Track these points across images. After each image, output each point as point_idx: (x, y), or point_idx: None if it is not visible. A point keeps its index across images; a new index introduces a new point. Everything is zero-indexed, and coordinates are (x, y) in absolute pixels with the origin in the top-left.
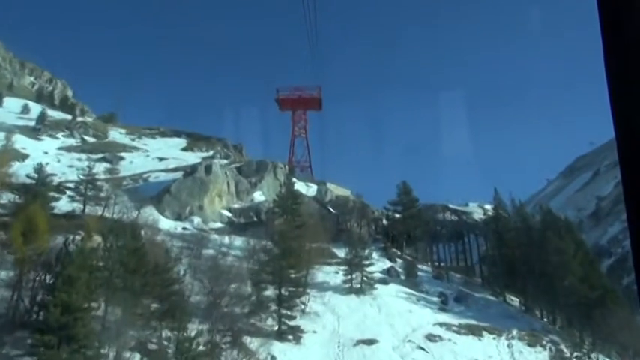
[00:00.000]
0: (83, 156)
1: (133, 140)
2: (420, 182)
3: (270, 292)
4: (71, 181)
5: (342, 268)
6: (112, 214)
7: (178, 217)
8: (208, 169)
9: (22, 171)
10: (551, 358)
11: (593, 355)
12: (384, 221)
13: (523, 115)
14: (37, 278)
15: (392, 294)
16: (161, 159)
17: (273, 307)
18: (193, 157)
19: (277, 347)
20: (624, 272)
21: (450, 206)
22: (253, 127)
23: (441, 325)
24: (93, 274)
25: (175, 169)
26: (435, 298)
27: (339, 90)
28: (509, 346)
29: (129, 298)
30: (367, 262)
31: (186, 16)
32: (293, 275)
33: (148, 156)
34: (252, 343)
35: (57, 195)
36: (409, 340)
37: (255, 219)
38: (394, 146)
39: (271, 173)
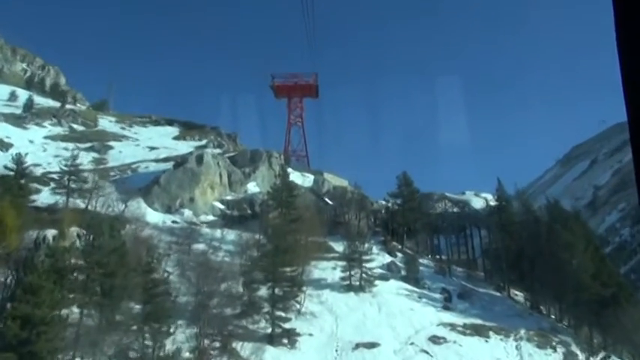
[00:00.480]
0: (70, 145)
1: (124, 129)
2: (418, 170)
3: (263, 291)
4: (56, 172)
5: (340, 263)
6: (95, 208)
7: (168, 210)
8: (200, 159)
9: (4, 161)
10: None
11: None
12: (384, 213)
13: (521, 103)
14: (7, 281)
15: (392, 291)
16: (152, 148)
17: (267, 307)
18: (185, 146)
19: (271, 353)
20: (621, 261)
21: (447, 194)
22: (248, 116)
23: (445, 325)
24: (66, 277)
25: (166, 159)
26: (438, 295)
27: (336, 77)
28: (518, 347)
29: (108, 303)
30: (367, 258)
31: (182, 1)
32: (288, 273)
33: (138, 145)
34: (244, 349)
35: (39, 187)
36: (412, 343)
37: (249, 211)
38: (392, 134)
39: (266, 163)
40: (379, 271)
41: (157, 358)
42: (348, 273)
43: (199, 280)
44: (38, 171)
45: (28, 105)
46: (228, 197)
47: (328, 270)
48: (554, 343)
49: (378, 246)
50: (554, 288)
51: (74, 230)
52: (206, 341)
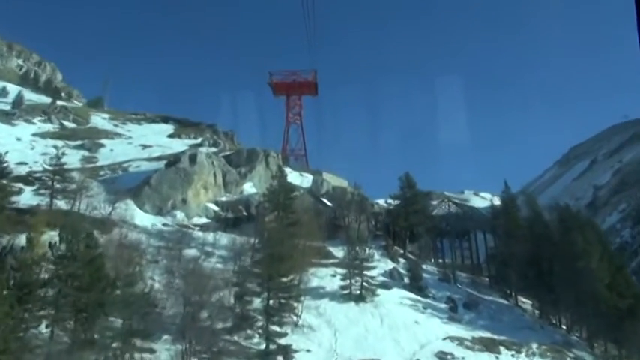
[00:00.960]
0: (60, 143)
1: (117, 126)
2: (417, 169)
3: (257, 302)
4: (39, 172)
5: (340, 271)
6: (79, 209)
7: (159, 212)
8: (193, 159)
9: None
10: None
11: None
12: (385, 216)
13: (520, 102)
14: None
15: (395, 301)
16: (145, 146)
17: (261, 321)
18: (180, 145)
19: None
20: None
21: (447, 193)
22: (246, 114)
23: (452, 339)
24: (34, 292)
25: (159, 158)
26: (443, 305)
27: (335, 76)
28: None
29: (82, 319)
30: (368, 265)
31: None
32: (284, 284)
33: (130, 143)
34: None
35: (24, 187)
36: None
37: (244, 213)
38: (391, 133)
39: (263, 163)
40: (381, 278)
41: None
42: (348, 281)
43: (188, 290)
44: (24, 170)
45: (18, 101)
46: (223, 198)
47: (327, 277)
48: (568, 359)
49: (379, 251)
50: (565, 297)
51: (50, 236)
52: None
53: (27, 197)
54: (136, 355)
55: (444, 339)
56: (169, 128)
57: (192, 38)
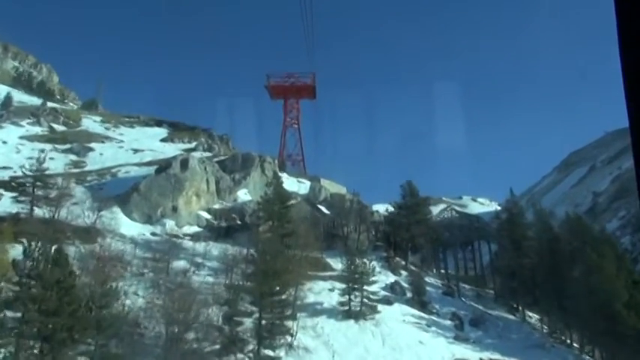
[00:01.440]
0: (48, 146)
1: (108, 129)
2: (415, 174)
3: (248, 322)
4: (20, 177)
5: (339, 286)
6: (59, 218)
7: (148, 220)
8: (184, 164)
9: None
10: None
11: None
12: (386, 225)
13: (518, 109)
14: None
15: (398, 318)
16: (136, 151)
17: (252, 344)
18: (173, 149)
19: None
20: None
21: (445, 199)
22: (242, 117)
23: None
24: None
25: (150, 163)
26: (448, 322)
27: (333, 80)
28: None
29: (48, 348)
30: (369, 281)
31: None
32: (277, 303)
33: (121, 147)
34: None
35: (4, 192)
36: None
37: (238, 222)
38: (389, 138)
39: (258, 168)
40: (382, 292)
41: None
42: (347, 297)
43: (174, 307)
44: (7, 175)
45: (6, 102)
46: (216, 206)
47: (325, 292)
48: None
49: (380, 262)
50: (578, 315)
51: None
52: None
53: (6, 204)
54: None
55: None
56: (163, 132)
57: (190, 41)
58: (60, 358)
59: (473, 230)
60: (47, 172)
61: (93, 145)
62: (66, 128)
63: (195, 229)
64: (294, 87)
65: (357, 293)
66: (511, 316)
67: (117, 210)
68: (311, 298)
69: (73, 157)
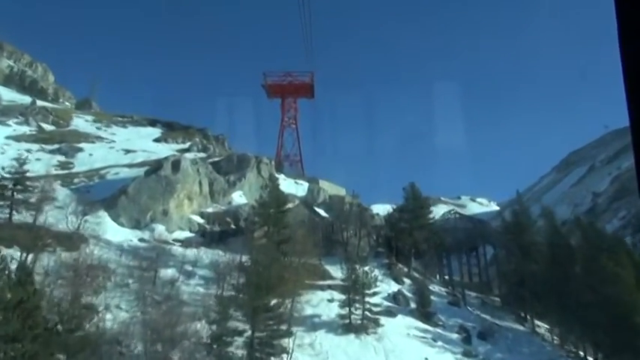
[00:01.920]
0: (35, 146)
1: (99, 129)
2: (414, 174)
3: (240, 340)
4: (3, 179)
5: (338, 296)
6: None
7: (136, 225)
8: (176, 165)
9: None
10: None
11: None
12: (388, 230)
13: (518, 108)
14: None
15: (402, 332)
16: (127, 151)
17: None
18: (167, 150)
19: None
20: None
21: (443, 199)
22: (239, 117)
23: None
24: None
25: (142, 164)
26: (455, 335)
27: (332, 79)
28: None
29: None
30: (370, 292)
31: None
32: (272, 317)
33: (112, 147)
34: None
35: None
36: None
37: (232, 226)
38: (388, 138)
39: (254, 169)
40: (384, 303)
41: None
42: (347, 309)
43: (159, 323)
44: None
45: None
46: (209, 209)
47: (323, 303)
48: None
49: (382, 270)
50: (593, 327)
51: None
52: None
53: None
54: None
55: None
56: (156, 132)
57: (187, 40)
58: None
59: (477, 234)
60: (29, 174)
61: (82, 145)
62: (55, 128)
63: (186, 234)
64: (291, 86)
65: (357, 305)
66: (520, 327)
67: (103, 214)
68: (308, 311)
69: (61, 158)
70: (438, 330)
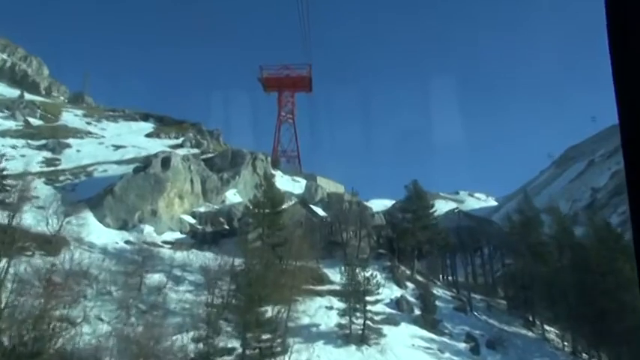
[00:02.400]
0: (21, 142)
1: (89, 124)
2: (411, 169)
3: (229, 358)
4: None
5: (337, 304)
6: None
7: (123, 226)
8: (166, 162)
9: None
10: None
11: None
12: (389, 230)
13: (516, 103)
14: None
15: (406, 342)
16: (117, 147)
17: None
18: (158, 145)
19: None
20: None
21: (441, 194)
22: (235, 112)
23: None
24: None
25: (132, 161)
26: (462, 345)
27: (329, 73)
28: None
29: None
30: (372, 299)
31: None
32: (265, 331)
33: (102, 143)
34: None
35: None
36: None
37: (226, 226)
38: (385, 133)
39: (249, 166)
40: (387, 310)
41: None
42: (347, 318)
43: (142, 336)
44: None
45: None
46: (201, 209)
47: (321, 311)
48: None
49: (383, 273)
50: (608, 334)
51: None
52: None
53: None
54: None
55: None
56: (149, 127)
57: (182, 32)
58: None
59: (482, 234)
60: (10, 172)
61: (70, 140)
62: (43, 123)
63: (176, 235)
64: (289, 79)
65: (358, 314)
66: (529, 333)
67: (88, 214)
68: (305, 320)
69: (47, 155)
70: (445, 339)
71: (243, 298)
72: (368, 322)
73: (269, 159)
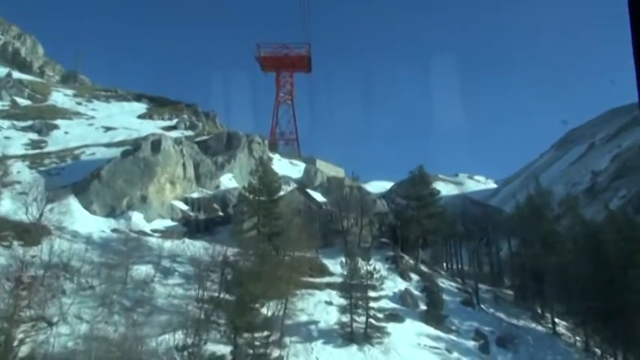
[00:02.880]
0: (6, 123)
1: (80, 104)
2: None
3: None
4: None
5: (337, 300)
6: None
7: (111, 213)
8: (156, 146)
9: None
10: None
11: None
12: (392, 218)
13: (518, 84)
14: None
15: (411, 341)
16: (108, 129)
17: None
18: (151, 127)
19: None
20: None
21: (441, 176)
22: (231, 92)
23: None
24: None
25: (122, 143)
26: (471, 343)
27: (329, 54)
28: None
29: None
30: (375, 295)
31: None
32: (258, 342)
33: (91, 124)
34: None
35: None
36: None
37: (220, 213)
38: (386, 114)
39: (245, 149)
40: (390, 305)
41: None
42: (348, 315)
43: (126, 337)
44: None
45: None
46: (194, 195)
47: (320, 307)
48: None
49: (386, 264)
50: (627, 332)
51: None
52: None
53: None
54: None
55: None
56: (142, 107)
57: (180, 10)
58: None
59: (489, 222)
60: None
61: (58, 122)
62: (31, 103)
63: (167, 223)
64: (287, 58)
65: (360, 311)
66: (538, 326)
67: (73, 201)
68: (303, 316)
69: (33, 136)
70: (452, 337)
71: (234, 300)
72: (371, 319)
73: (266, 142)
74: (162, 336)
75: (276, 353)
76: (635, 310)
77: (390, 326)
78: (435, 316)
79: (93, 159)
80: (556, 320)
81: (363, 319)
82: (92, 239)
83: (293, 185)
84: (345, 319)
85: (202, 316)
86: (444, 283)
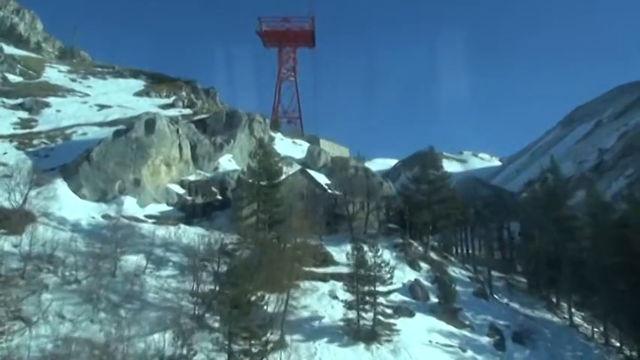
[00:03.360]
0: None
1: (74, 81)
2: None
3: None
4: None
5: (343, 294)
6: None
7: (102, 197)
8: (150, 125)
9: None
10: None
11: None
12: (400, 202)
13: (525, 60)
14: None
15: (423, 338)
16: (102, 107)
17: None
18: (148, 105)
19: None
20: None
21: (445, 154)
22: (232, 68)
23: None
24: None
25: (116, 122)
26: (486, 339)
27: (333, 27)
28: None
29: None
30: (385, 289)
31: None
32: (255, 348)
33: (85, 102)
34: None
35: None
36: None
37: (219, 196)
38: (390, 90)
39: (246, 129)
40: (399, 297)
41: None
42: (354, 312)
43: (112, 337)
44: None
45: None
46: (191, 177)
47: (325, 300)
48: None
49: (394, 252)
50: None
51: None
52: None
53: None
54: None
55: None
56: (139, 84)
57: None
58: None
59: (501, 206)
60: None
61: (50, 99)
62: (23, 79)
63: (162, 207)
64: (290, 33)
65: (367, 307)
66: (554, 318)
67: (61, 185)
68: (306, 311)
69: (23, 115)
70: (465, 332)
71: (230, 296)
72: (379, 316)
73: (267, 121)
74: (151, 335)
75: None
76: None
77: (400, 322)
78: (447, 309)
79: (85, 139)
80: (572, 310)
81: (370, 315)
82: (80, 226)
83: (296, 167)
84: (352, 315)
85: (195, 322)
86: (455, 272)
